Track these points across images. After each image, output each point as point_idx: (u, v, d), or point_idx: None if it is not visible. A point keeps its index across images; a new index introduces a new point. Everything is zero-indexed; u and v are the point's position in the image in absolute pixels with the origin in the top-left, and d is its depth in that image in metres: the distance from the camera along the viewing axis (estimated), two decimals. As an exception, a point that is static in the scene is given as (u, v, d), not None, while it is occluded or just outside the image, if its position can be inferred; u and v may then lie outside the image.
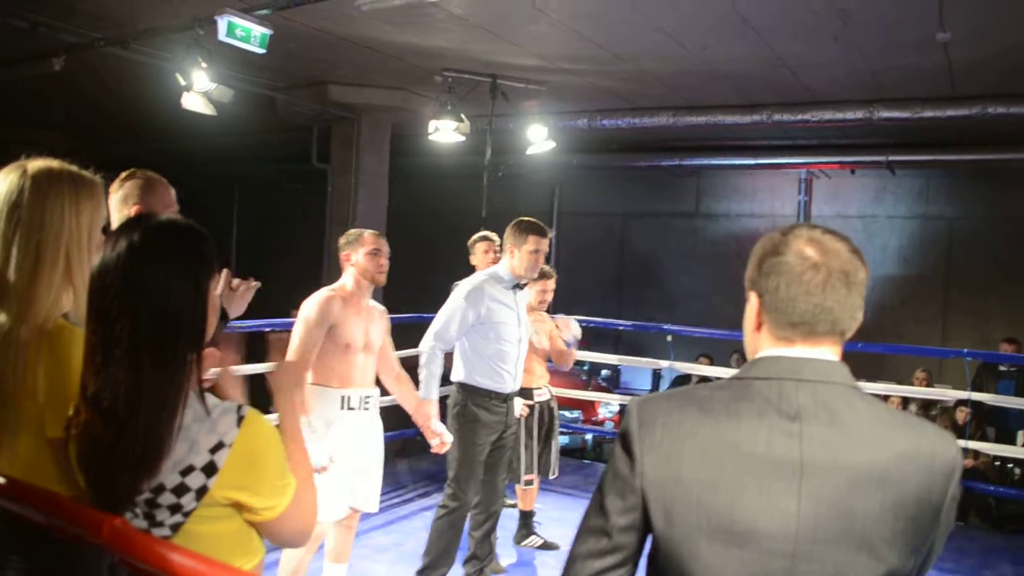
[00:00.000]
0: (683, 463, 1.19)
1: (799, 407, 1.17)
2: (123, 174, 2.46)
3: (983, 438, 7.32)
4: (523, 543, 4.93)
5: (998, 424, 7.78)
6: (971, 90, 7.34)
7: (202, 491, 1.38)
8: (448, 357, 4.03)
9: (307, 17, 6.19)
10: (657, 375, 10.65)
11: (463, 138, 7.84)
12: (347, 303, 3.55)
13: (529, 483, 4.74)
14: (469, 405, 3.94)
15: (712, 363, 8.47)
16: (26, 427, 1.55)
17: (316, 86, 8.69)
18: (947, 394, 7.12)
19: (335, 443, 3.42)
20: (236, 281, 2.75)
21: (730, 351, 9.59)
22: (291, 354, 3.40)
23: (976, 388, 7.05)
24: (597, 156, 11.19)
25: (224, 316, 2.55)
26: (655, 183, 12.37)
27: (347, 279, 3.65)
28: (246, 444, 1.40)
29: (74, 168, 1.70)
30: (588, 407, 8.87)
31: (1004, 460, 7.45)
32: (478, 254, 5.18)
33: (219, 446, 1.39)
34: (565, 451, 7.14)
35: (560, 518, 5.18)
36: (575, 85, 7.98)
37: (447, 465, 4.00)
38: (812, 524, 1.14)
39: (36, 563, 1.53)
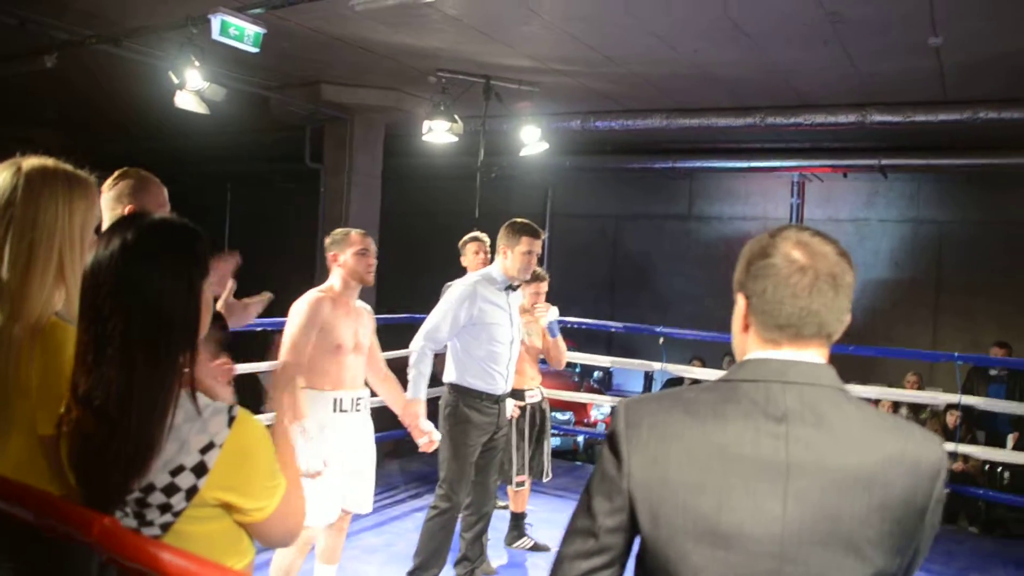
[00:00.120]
0: (670, 465, 1.19)
1: (786, 409, 1.18)
2: (116, 173, 2.45)
3: (973, 442, 7.34)
4: (514, 544, 4.93)
5: (988, 428, 7.79)
6: (963, 95, 7.37)
7: (192, 491, 1.38)
8: (440, 358, 4.03)
9: (301, 16, 6.18)
10: (649, 377, 10.66)
11: (456, 139, 7.84)
12: (336, 304, 3.52)
13: (520, 484, 4.75)
14: (460, 406, 3.94)
15: (705, 366, 8.48)
16: (18, 425, 1.54)
17: (309, 86, 8.67)
18: (938, 398, 7.14)
19: (328, 447, 3.41)
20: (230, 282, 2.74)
21: (722, 354, 9.61)
22: (282, 357, 3.38)
23: (966, 392, 7.08)
24: (590, 158, 11.20)
25: (223, 324, 2.55)
26: (648, 185, 12.40)
27: (335, 280, 3.61)
28: (237, 445, 1.40)
29: (68, 167, 1.69)
30: (580, 409, 8.87)
31: (994, 464, 7.47)
32: (468, 255, 5.19)
33: (209, 446, 1.38)
34: (557, 453, 7.15)
35: (551, 520, 5.18)
36: (568, 87, 7.99)
37: (438, 466, 4.00)
38: (798, 526, 1.14)
39: (25, 562, 1.52)
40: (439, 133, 7.66)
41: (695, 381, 6.90)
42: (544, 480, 4.91)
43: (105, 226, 1.65)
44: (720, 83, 7.55)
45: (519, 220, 4.03)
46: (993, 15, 5.49)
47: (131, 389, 1.36)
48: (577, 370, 10.07)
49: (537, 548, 4.87)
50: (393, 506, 5.55)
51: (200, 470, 1.37)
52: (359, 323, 3.62)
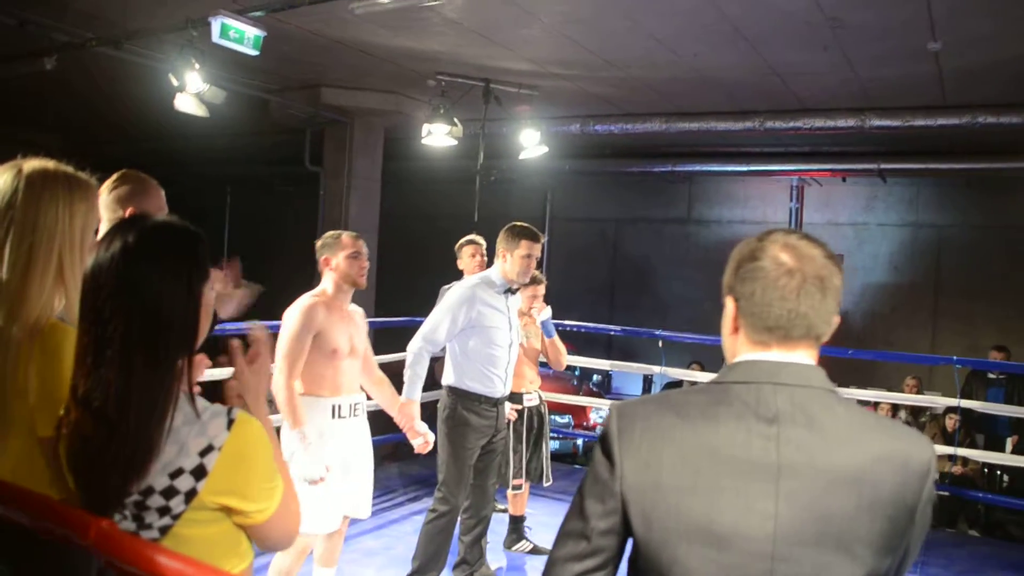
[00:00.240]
0: (662, 467, 1.20)
1: (777, 411, 1.19)
2: (114, 176, 2.44)
3: (972, 445, 7.35)
4: (513, 548, 4.92)
5: (987, 431, 7.80)
6: (962, 99, 7.39)
7: (191, 494, 1.37)
8: (439, 361, 4.02)
9: (301, 19, 6.19)
10: (649, 381, 10.65)
11: (456, 142, 7.84)
12: (330, 309, 3.47)
13: (517, 488, 4.74)
14: (459, 409, 3.94)
15: (704, 369, 8.46)
16: (17, 427, 1.54)
17: (309, 89, 8.68)
18: (937, 401, 7.15)
19: (329, 454, 3.40)
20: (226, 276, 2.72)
21: (721, 357, 9.56)
22: (278, 364, 3.36)
23: (965, 395, 7.08)
24: (589, 161, 11.21)
25: (214, 318, 2.54)
26: (647, 189, 12.40)
27: (327, 284, 3.55)
28: (236, 448, 1.40)
29: (69, 169, 1.69)
30: (579, 412, 8.87)
31: (993, 467, 7.48)
32: (464, 258, 5.19)
33: (208, 449, 1.38)
34: (556, 456, 7.14)
35: (551, 523, 5.17)
36: (567, 90, 8.00)
37: (437, 469, 4.00)
38: (790, 526, 1.15)
39: (24, 566, 1.52)
40: (439, 136, 7.66)
41: (694, 384, 6.89)
42: (544, 484, 4.91)
43: (104, 229, 1.65)
44: (719, 87, 7.55)
45: (518, 223, 4.03)
46: (992, 20, 5.50)
47: (130, 391, 1.36)
48: (576, 373, 10.07)
49: (536, 551, 4.86)
50: (392, 509, 5.54)
51: (199, 473, 1.37)
52: (353, 327, 3.58)
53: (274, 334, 3.50)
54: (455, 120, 7.61)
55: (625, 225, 12.99)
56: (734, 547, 1.16)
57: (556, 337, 4.83)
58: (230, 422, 1.41)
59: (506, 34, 6.43)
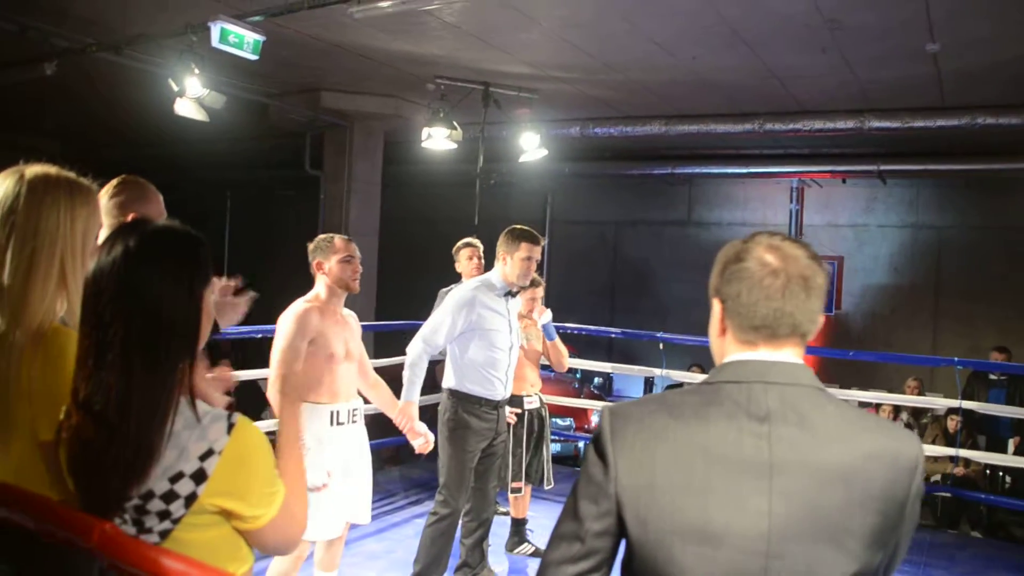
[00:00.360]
0: (656, 467, 1.21)
1: (768, 409, 1.21)
2: (114, 181, 2.44)
3: (974, 446, 7.34)
4: (515, 551, 4.92)
5: (989, 432, 7.81)
6: (961, 101, 7.39)
7: (191, 498, 1.38)
8: (440, 364, 4.02)
9: (300, 24, 6.20)
10: (650, 383, 10.65)
11: (455, 146, 7.85)
12: (324, 313, 3.44)
13: (517, 491, 4.73)
14: (459, 412, 3.94)
15: (704, 371, 8.47)
16: (19, 430, 1.54)
17: (309, 93, 8.69)
18: (938, 403, 7.15)
19: (328, 460, 3.38)
20: (227, 283, 2.72)
21: (722, 359, 9.59)
22: (273, 371, 3.34)
23: (967, 396, 7.07)
24: (589, 164, 11.21)
25: (215, 327, 2.53)
26: (647, 191, 12.41)
27: (320, 288, 3.51)
28: (236, 452, 1.40)
29: (71, 174, 1.70)
30: (580, 415, 8.86)
31: (995, 468, 7.48)
32: (462, 260, 5.20)
33: (209, 453, 1.38)
34: (557, 459, 7.14)
35: (552, 526, 5.16)
36: (567, 93, 8.01)
37: (438, 472, 4.00)
38: (784, 522, 1.17)
39: (25, 568, 1.52)
40: (438, 140, 7.67)
41: (695, 387, 6.88)
42: (545, 487, 4.91)
43: (104, 234, 1.65)
44: (719, 89, 7.56)
45: (518, 226, 4.04)
46: (990, 22, 5.51)
47: (130, 394, 1.36)
48: (578, 376, 10.06)
49: (538, 554, 4.86)
50: (393, 512, 5.54)
51: (199, 477, 1.37)
52: (348, 331, 3.55)
53: (271, 339, 3.50)
54: (455, 124, 7.61)
55: (625, 228, 12.99)
56: (729, 545, 1.17)
57: (558, 339, 4.83)
58: (230, 426, 1.41)
59: (505, 38, 6.44)
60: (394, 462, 7.28)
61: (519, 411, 4.65)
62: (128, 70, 7.16)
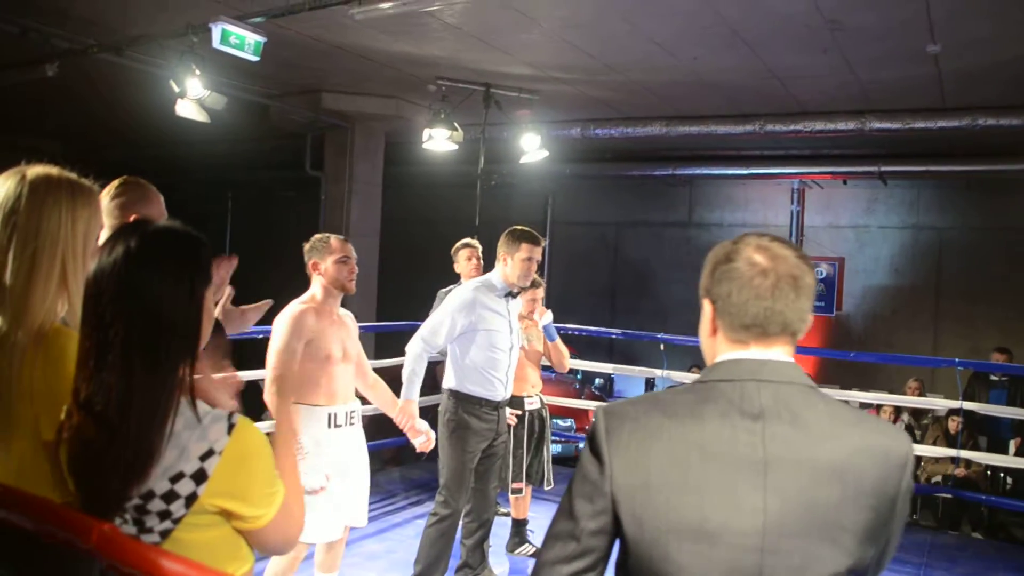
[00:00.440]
0: (651, 466, 1.22)
1: (761, 407, 1.22)
2: (115, 182, 2.45)
3: (975, 447, 7.34)
4: (516, 551, 4.92)
5: (990, 433, 7.80)
6: (962, 102, 7.39)
7: (191, 498, 1.38)
8: (440, 364, 4.02)
9: (301, 25, 6.20)
10: (651, 384, 10.64)
11: (456, 147, 7.85)
12: (320, 315, 3.41)
13: (517, 491, 4.73)
14: (460, 412, 3.94)
15: (704, 372, 8.47)
16: (21, 430, 1.54)
17: (310, 94, 8.70)
18: (939, 403, 7.14)
19: (326, 463, 3.37)
20: (231, 292, 2.73)
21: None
22: (269, 373, 3.31)
23: (968, 397, 7.06)
24: (590, 165, 11.21)
25: (221, 331, 2.54)
26: (648, 192, 12.41)
27: (315, 289, 3.47)
28: (236, 452, 1.40)
29: (72, 175, 1.70)
30: (581, 416, 8.87)
31: (996, 469, 7.48)
32: (461, 261, 5.20)
33: (209, 453, 1.38)
34: (558, 460, 7.13)
35: (552, 527, 5.16)
36: (567, 94, 8.01)
37: (438, 473, 4.00)
38: (778, 519, 1.18)
39: (24, 569, 1.52)
40: (439, 141, 7.67)
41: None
42: (546, 488, 4.91)
43: (104, 235, 1.66)
44: (719, 90, 7.56)
45: (519, 227, 4.04)
46: (991, 23, 5.51)
47: (131, 395, 1.36)
48: (578, 377, 10.06)
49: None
50: (394, 513, 5.54)
51: (199, 477, 1.38)
52: (345, 332, 3.52)
53: (267, 339, 3.49)
54: (455, 125, 7.62)
55: (626, 229, 12.99)
56: (724, 542, 1.18)
57: (559, 340, 4.83)
58: (231, 426, 1.42)
59: (506, 39, 6.45)
60: (395, 463, 7.28)
61: (519, 412, 4.65)
62: (129, 71, 7.17)
